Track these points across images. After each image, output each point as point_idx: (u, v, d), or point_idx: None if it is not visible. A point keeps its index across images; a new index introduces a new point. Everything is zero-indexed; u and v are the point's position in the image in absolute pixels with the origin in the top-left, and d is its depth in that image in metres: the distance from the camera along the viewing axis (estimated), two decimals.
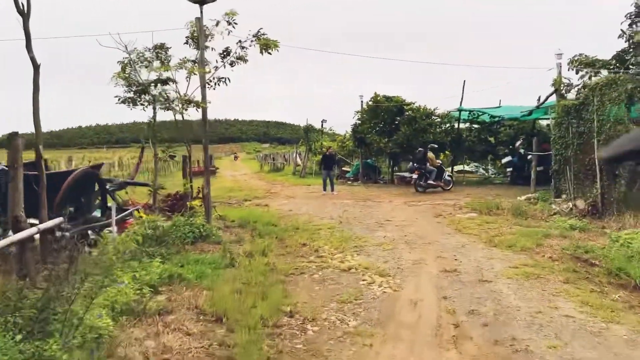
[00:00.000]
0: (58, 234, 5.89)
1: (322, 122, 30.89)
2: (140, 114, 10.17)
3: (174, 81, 9.91)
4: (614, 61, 12.71)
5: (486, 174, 23.68)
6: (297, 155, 33.51)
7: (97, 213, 7.57)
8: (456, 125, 21.40)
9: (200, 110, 10.01)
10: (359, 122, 22.60)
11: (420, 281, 6.36)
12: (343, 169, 25.76)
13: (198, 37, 10.01)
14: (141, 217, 6.97)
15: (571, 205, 11.32)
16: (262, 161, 50.19)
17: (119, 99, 10.00)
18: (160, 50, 10.08)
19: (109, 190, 8.21)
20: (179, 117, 9.95)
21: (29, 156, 6.08)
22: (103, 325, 4.19)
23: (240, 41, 10.12)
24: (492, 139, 21.68)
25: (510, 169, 19.79)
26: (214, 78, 10.34)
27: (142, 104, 9.92)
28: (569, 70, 13.04)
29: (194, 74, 9.90)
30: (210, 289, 5.84)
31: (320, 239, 9.18)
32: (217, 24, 10.03)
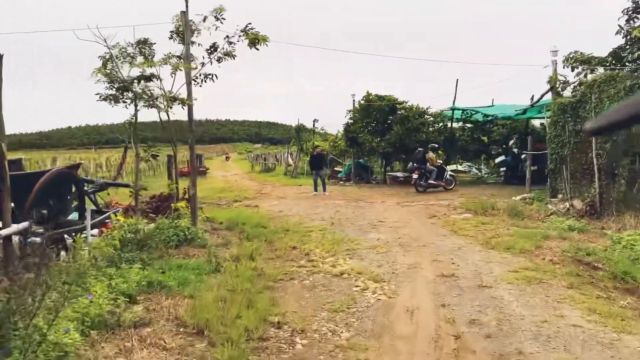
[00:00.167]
0: (29, 239, 5.48)
1: (313, 121, 30.55)
2: (129, 114, 9.71)
3: (158, 78, 9.50)
4: (610, 58, 12.48)
5: (479, 174, 23.45)
6: (289, 156, 33.15)
7: (75, 216, 7.14)
8: (449, 125, 21.16)
9: (186, 108, 9.61)
10: (351, 121, 22.29)
11: (417, 287, 6.01)
12: (335, 168, 25.44)
13: (184, 31, 9.62)
14: (118, 220, 6.55)
15: (568, 205, 11.04)
16: (253, 161, 49.73)
17: (100, 97, 9.58)
18: (144, 45, 9.66)
19: (88, 192, 7.78)
20: (163, 115, 9.56)
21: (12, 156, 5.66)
22: (69, 341, 3.80)
23: (227, 36, 9.73)
24: (485, 139, 21.47)
25: (504, 169, 19.55)
26: (200, 75, 9.96)
27: (124, 102, 9.49)
28: (564, 67, 12.80)
29: (180, 69, 9.48)
30: (193, 297, 5.46)
31: (311, 241, 8.81)
32: (204, 20, 9.64)
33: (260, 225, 10.44)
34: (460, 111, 20.80)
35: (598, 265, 6.56)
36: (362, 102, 21.64)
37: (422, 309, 5.17)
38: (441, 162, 17.99)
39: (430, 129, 20.60)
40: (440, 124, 21.16)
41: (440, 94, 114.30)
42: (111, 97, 9.55)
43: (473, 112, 20.86)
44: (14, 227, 4.64)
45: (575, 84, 12.34)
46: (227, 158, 75.49)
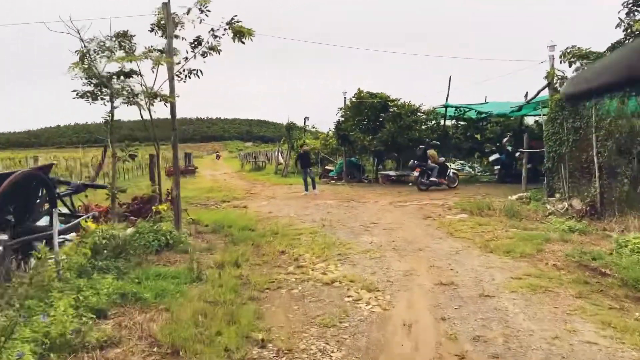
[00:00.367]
0: None
1: (304, 119, 30.11)
2: (117, 112, 9.22)
3: (139, 73, 8.99)
4: (608, 53, 12.11)
5: (473, 172, 23.10)
6: (279, 154, 32.64)
7: (45, 221, 6.62)
8: (442, 122, 20.78)
9: (168, 105, 9.10)
10: (343, 119, 21.81)
11: (413, 297, 5.57)
12: (326, 167, 24.97)
13: (166, 24, 9.11)
14: (88, 226, 6.04)
15: (567, 205, 10.68)
16: (243, 160, 49.13)
17: (77, 94, 9.06)
18: (124, 38, 9.14)
19: (62, 195, 7.26)
20: (145, 113, 9.05)
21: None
22: None
23: (212, 29, 9.23)
24: (478, 136, 21.12)
25: (498, 167, 19.20)
26: (184, 70, 9.46)
27: (102, 98, 8.97)
28: (561, 63, 12.40)
29: (161, 64, 8.98)
30: (170, 311, 4.99)
31: (301, 245, 8.35)
32: (188, 12, 9.14)
33: (248, 228, 9.97)
34: (454, 108, 20.43)
35: (605, 271, 6.17)
36: (354, 99, 21.19)
37: (420, 323, 4.74)
38: (444, 159, 17.58)
39: (423, 126, 20.23)
40: (433, 122, 20.78)
41: (435, 92, 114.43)
42: (89, 94, 9.04)
43: (466, 110, 20.50)
44: None
45: None
46: (218, 157, 74.75)
